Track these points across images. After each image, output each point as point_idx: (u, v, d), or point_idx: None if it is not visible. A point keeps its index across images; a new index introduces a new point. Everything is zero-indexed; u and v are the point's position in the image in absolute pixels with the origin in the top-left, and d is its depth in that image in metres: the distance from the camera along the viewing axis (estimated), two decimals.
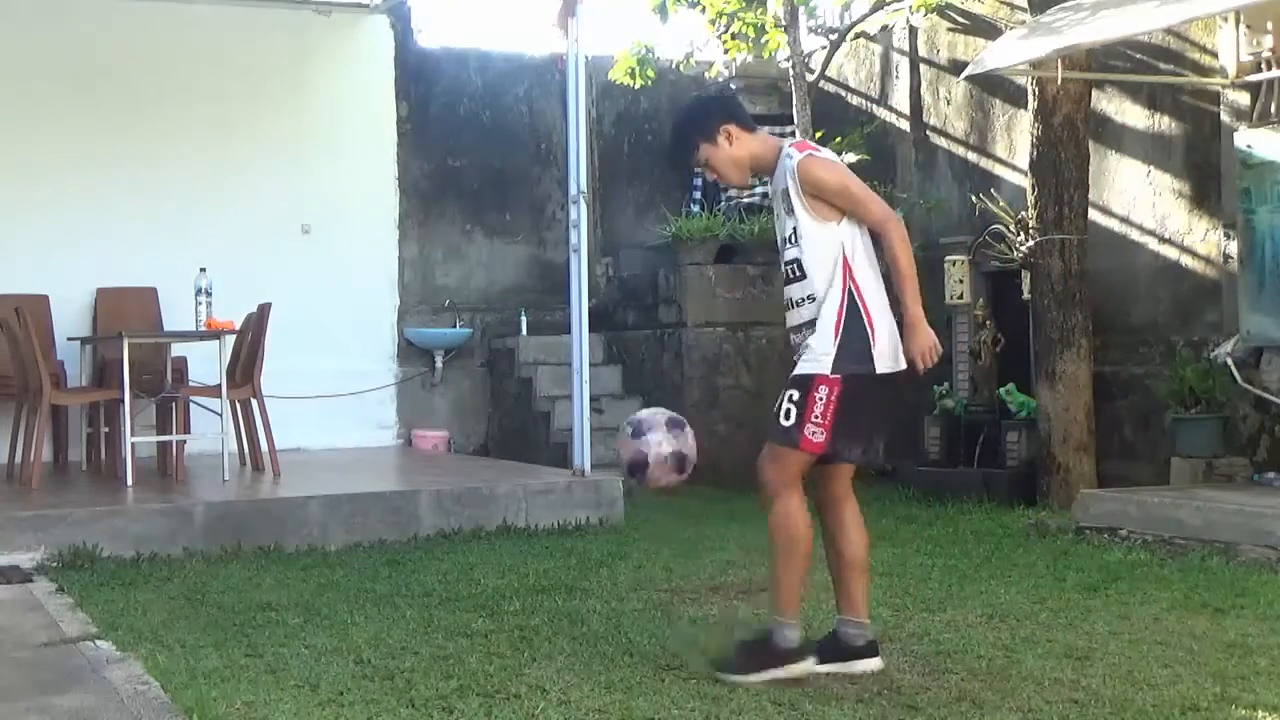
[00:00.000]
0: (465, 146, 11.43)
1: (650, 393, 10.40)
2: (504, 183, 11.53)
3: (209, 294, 8.58)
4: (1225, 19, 7.90)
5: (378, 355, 11.04)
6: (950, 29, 10.14)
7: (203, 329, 8.51)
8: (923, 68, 10.44)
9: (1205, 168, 8.20)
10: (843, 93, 11.18)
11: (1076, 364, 8.23)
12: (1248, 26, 7.81)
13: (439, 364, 11.13)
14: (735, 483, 8.26)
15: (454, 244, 11.40)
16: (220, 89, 10.52)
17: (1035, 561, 6.43)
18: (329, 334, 10.56)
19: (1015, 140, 9.38)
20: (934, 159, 10.31)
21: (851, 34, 10.67)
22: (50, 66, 10.09)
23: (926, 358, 4.33)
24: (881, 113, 10.78)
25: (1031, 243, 8.32)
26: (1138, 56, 8.61)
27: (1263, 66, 7.76)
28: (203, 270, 8.69)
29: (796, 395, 4.31)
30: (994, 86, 9.57)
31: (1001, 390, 8.84)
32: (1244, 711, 3.97)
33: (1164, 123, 8.50)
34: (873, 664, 4.44)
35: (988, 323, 9.01)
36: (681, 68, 11.14)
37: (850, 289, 4.31)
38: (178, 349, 9.17)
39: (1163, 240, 8.49)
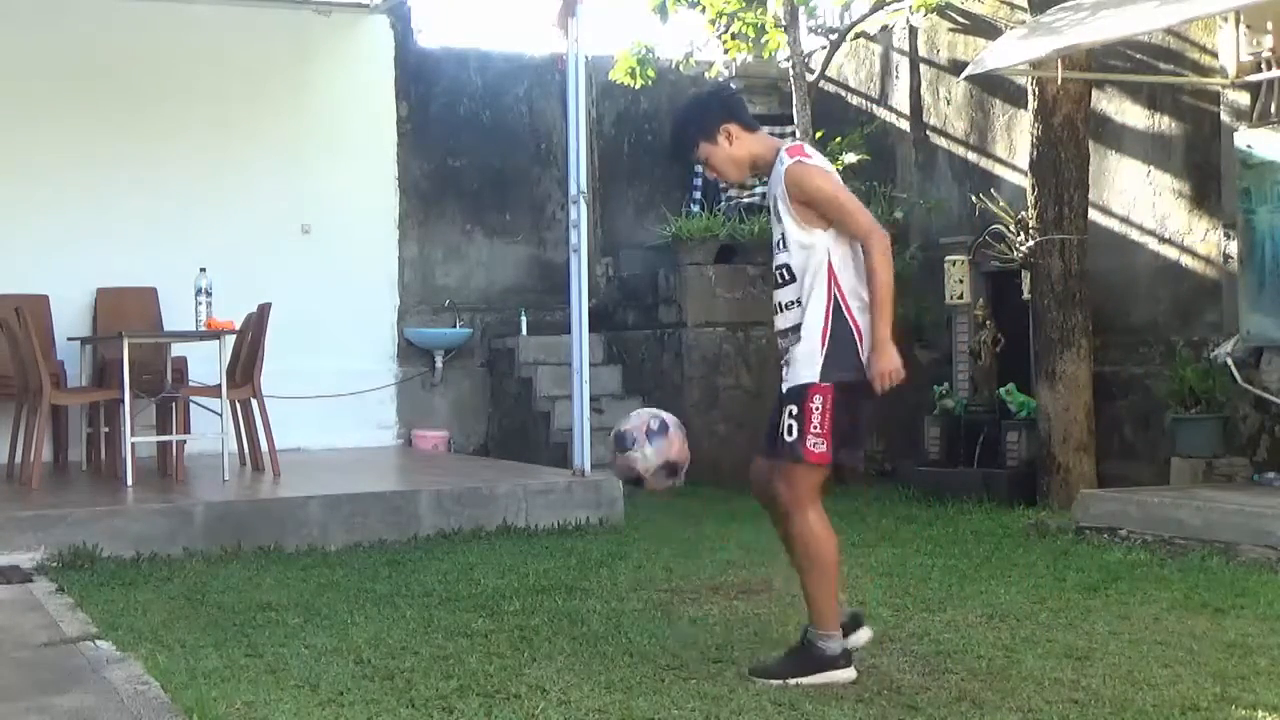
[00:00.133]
0: (465, 146, 11.43)
1: (650, 393, 10.41)
2: (504, 183, 11.53)
3: (209, 294, 8.59)
4: (1225, 19, 7.90)
5: (378, 355, 11.04)
6: (950, 29, 10.14)
7: (203, 329, 8.51)
8: (923, 68, 10.44)
9: (1205, 168, 8.20)
10: (843, 93, 11.18)
11: (1076, 364, 8.23)
12: (1248, 26, 7.81)
13: (439, 364, 11.13)
14: (735, 482, 8.24)
15: (454, 244, 11.41)
16: (220, 89, 10.52)
17: (1035, 561, 6.43)
18: (329, 334, 10.57)
19: (1015, 140, 9.38)
20: (934, 159, 10.31)
21: (851, 34, 10.67)
22: (50, 66, 10.09)
23: (886, 379, 4.29)
24: (881, 113, 10.78)
25: (1031, 243, 8.32)
26: (1138, 56, 8.61)
27: (1263, 66, 7.76)
28: (203, 270, 8.69)
29: (795, 410, 4.31)
30: (994, 86, 9.57)
31: (1001, 390, 8.84)
32: (1244, 711, 3.97)
33: (1164, 123, 8.50)
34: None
35: (988, 323, 9.01)
36: (681, 68, 11.14)
37: (836, 296, 4.31)
38: (178, 349, 9.17)
39: (1163, 240, 8.49)
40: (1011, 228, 8.52)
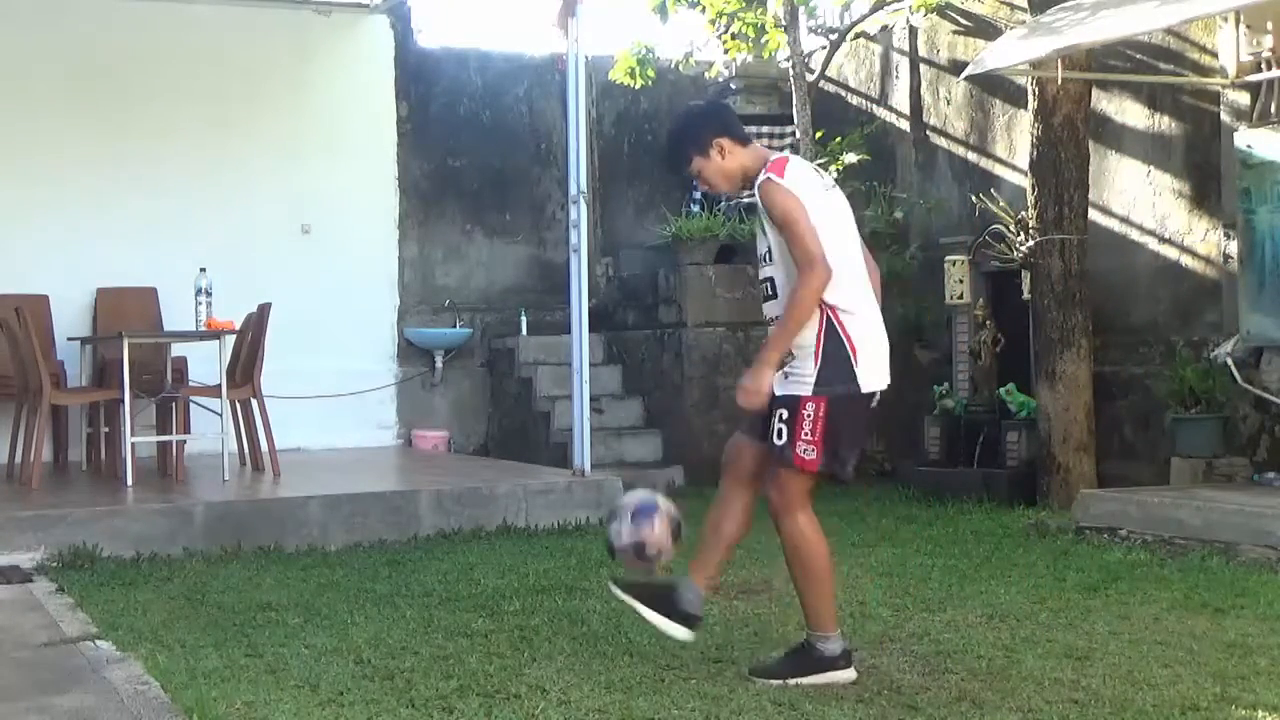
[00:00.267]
0: (465, 146, 11.43)
1: (650, 393, 10.42)
2: (504, 183, 11.53)
3: (209, 294, 8.59)
4: (1225, 19, 7.90)
5: (378, 355, 11.04)
6: (951, 29, 10.14)
7: (203, 329, 8.51)
8: (923, 68, 10.44)
9: (1205, 168, 8.20)
10: (843, 93, 11.18)
11: (1076, 364, 8.23)
12: (1248, 26, 7.81)
13: (439, 364, 11.13)
14: None
15: (454, 244, 11.41)
16: (220, 89, 10.52)
17: (1035, 561, 6.43)
18: (329, 334, 10.57)
19: (1015, 140, 9.38)
20: (934, 159, 10.31)
21: (851, 34, 10.67)
22: (51, 67, 10.09)
23: (744, 396, 4.38)
24: (881, 113, 10.78)
25: (1031, 243, 8.32)
26: (1138, 56, 8.61)
27: (1263, 66, 7.76)
28: (203, 270, 8.69)
29: (786, 415, 4.32)
30: (994, 86, 9.57)
31: (1001, 390, 8.84)
32: (1244, 711, 3.97)
33: (1164, 123, 8.50)
34: (683, 632, 4.47)
35: (988, 323, 9.01)
36: (681, 68, 11.14)
37: (826, 311, 4.30)
38: (178, 349, 9.17)
39: (1163, 240, 8.49)
40: (1011, 228, 8.52)
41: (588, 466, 8.06)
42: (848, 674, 4.35)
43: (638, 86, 10.70)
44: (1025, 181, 8.50)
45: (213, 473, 8.25)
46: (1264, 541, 6.23)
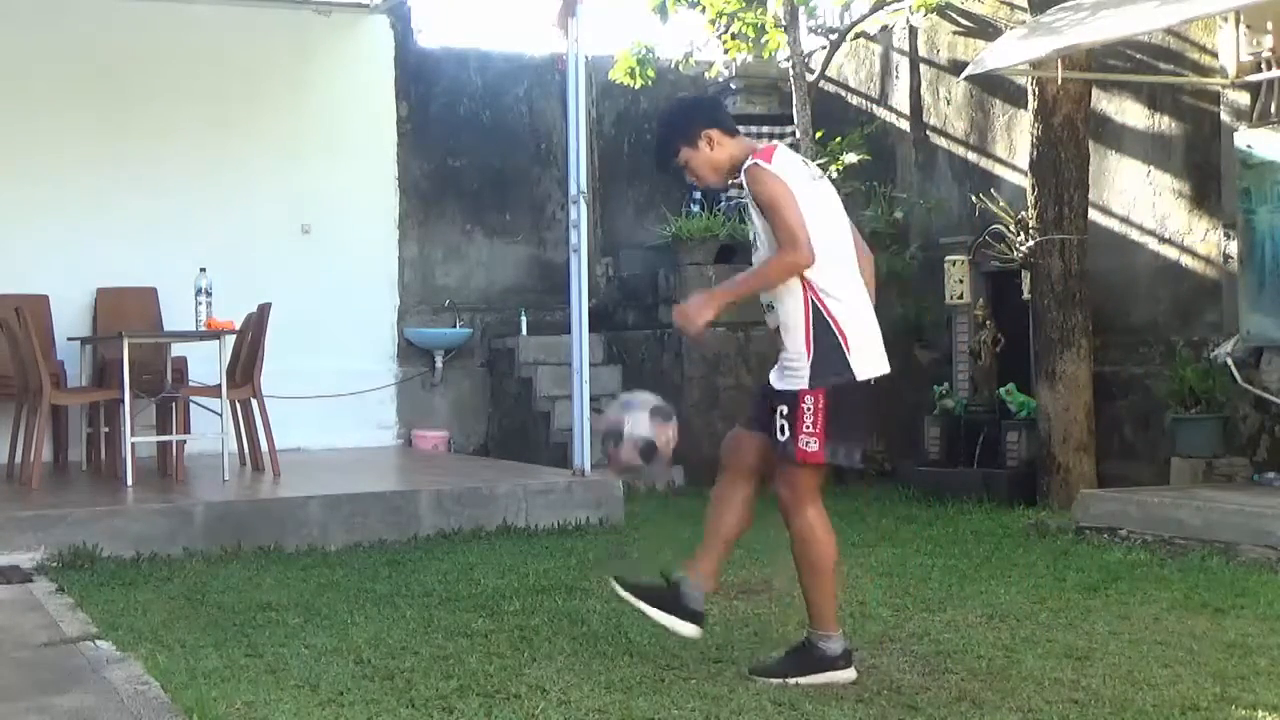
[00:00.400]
0: (465, 146, 11.43)
1: (650, 393, 10.39)
2: (504, 183, 11.53)
3: (209, 294, 8.59)
4: (1225, 19, 7.90)
5: (378, 355, 11.04)
6: (951, 30, 10.14)
7: (203, 329, 8.51)
8: (923, 68, 10.44)
9: (1205, 168, 8.20)
10: (843, 93, 11.18)
11: (1076, 364, 8.23)
12: (1248, 26, 7.80)
13: (439, 364, 11.13)
14: None
15: (454, 244, 11.41)
16: (220, 89, 10.52)
17: (1035, 561, 6.43)
18: (329, 334, 10.57)
19: (1015, 140, 9.38)
20: (934, 159, 10.30)
21: (851, 34, 10.67)
22: (50, 66, 10.09)
23: (678, 317, 4.38)
24: (881, 113, 10.77)
25: (1031, 243, 8.32)
26: (1138, 56, 8.61)
27: (1263, 66, 7.76)
28: (203, 270, 8.69)
29: (786, 410, 4.32)
30: (994, 86, 9.57)
31: (1001, 390, 8.84)
32: (1244, 711, 3.97)
33: (1164, 123, 8.50)
34: (691, 629, 4.48)
35: (988, 323, 9.01)
36: (681, 68, 11.14)
37: (813, 300, 4.30)
38: (178, 349, 9.17)
39: (1163, 240, 8.49)
40: (1011, 228, 8.52)
41: (588, 466, 8.06)
42: (848, 674, 4.35)
43: (638, 86, 10.69)
44: (1025, 181, 8.50)
45: (213, 473, 8.25)
46: (1264, 541, 6.23)
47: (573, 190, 8.05)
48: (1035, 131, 8.28)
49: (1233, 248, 7.92)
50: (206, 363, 8.95)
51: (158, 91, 10.35)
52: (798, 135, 10.03)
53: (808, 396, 4.29)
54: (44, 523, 6.75)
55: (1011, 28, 8.91)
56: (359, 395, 10.74)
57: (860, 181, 9.93)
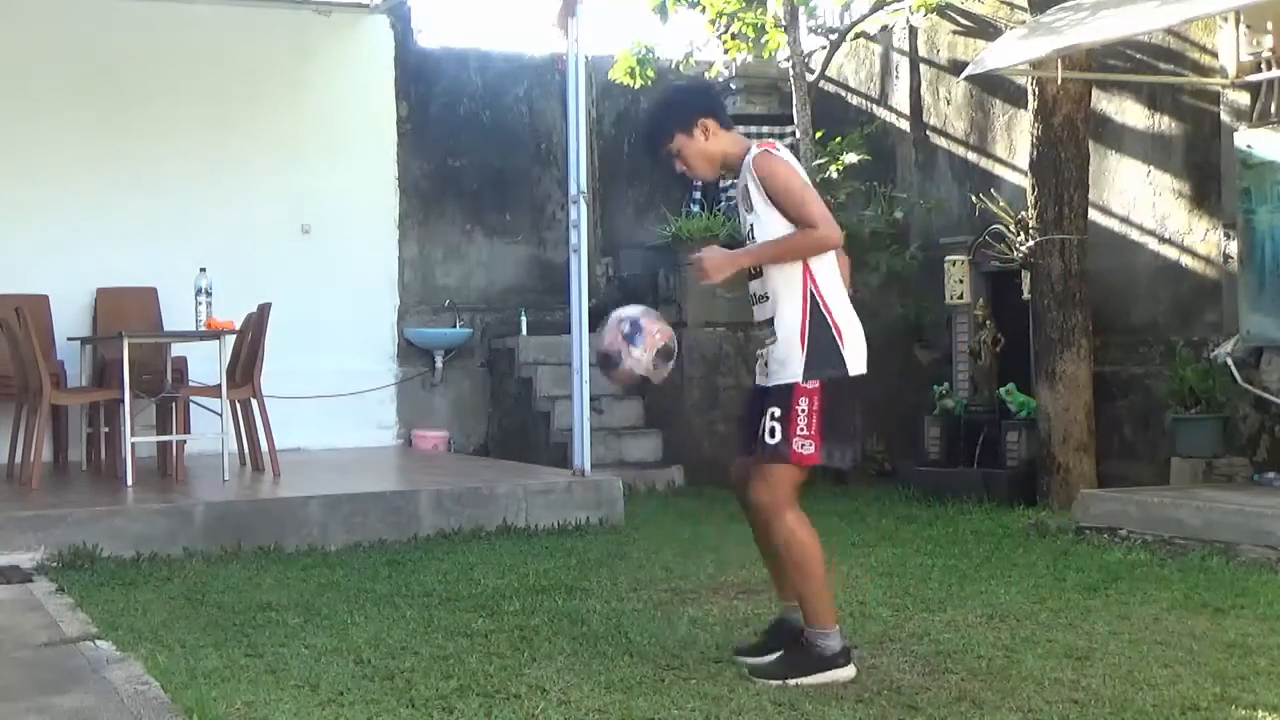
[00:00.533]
0: (465, 146, 11.43)
1: (650, 392, 10.41)
2: (504, 183, 11.53)
3: (209, 294, 8.59)
4: (1225, 19, 7.90)
5: (378, 355, 11.04)
6: (951, 29, 10.14)
7: (203, 329, 8.51)
8: (923, 68, 10.44)
9: (1205, 168, 8.20)
10: (843, 93, 11.18)
11: (1076, 364, 8.23)
12: (1248, 26, 7.81)
13: (439, 364, 11.13)
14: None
15: (454, 244, 11.41)
16: (220, 89, 10.52)
17: (1035, 561, 6.43)
18: (329, 334, 10.57)
19: (1015, 140, 9.38)
20: (934, 159, 10.31)
21: (851, 34, 10.67)
22: (51, 66, 10.09)
23: (701, 264, 4.37)
24: (881, 113, 10.78)
25: (1031, 243, 8.32)
26: (1138, 56, 8.61)
27: (1263, 66, 7.76)
28: (203, 270, 8.69)
29: (779, 412, 4.31)
30: (994, 86, 9.57)
31: (1001, 390, 8.84)
32: (1244, 711, 3.97)
33: (1164, 123, 8.50)
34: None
35: (988, 323, 9.01)
36: (681, 68, 11.13)
37: (812, 291, 4.31)
38: (178, 349, 9.17)
39: (1163, 240, 8.49)
40: (1011, 228, 8.52)
41: (588, 466, 8.06)
42: (847, 672, 4.35)
43: (638, 86, 10.69)
44: (1025, 181, 8.50)
45: (213, 473, 8.25)
46: (1264, 541, 6.23)
47: (573, 190, 8.05)
48: (1035, 131, 8.28)
49: (1233, 248, 7.93)
50: (206, 363, 8.95)
51: (158, 91, 10.35)
52: (798, 135, 10.03)
53: (802, 397, 4.28)
54: (44, 523, 6.75)
55: (1011, 28, 8.91)
56: (359, 395, 10.74)
57: (860, 181, 9.93)
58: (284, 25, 10.78)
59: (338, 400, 10.57)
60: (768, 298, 4.38)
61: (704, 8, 10.15)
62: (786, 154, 4.44)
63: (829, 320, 4.31)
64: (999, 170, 9.63)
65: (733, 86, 11.46)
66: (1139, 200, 8.63)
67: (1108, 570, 6.15)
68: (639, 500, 8.66)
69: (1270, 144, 7.61)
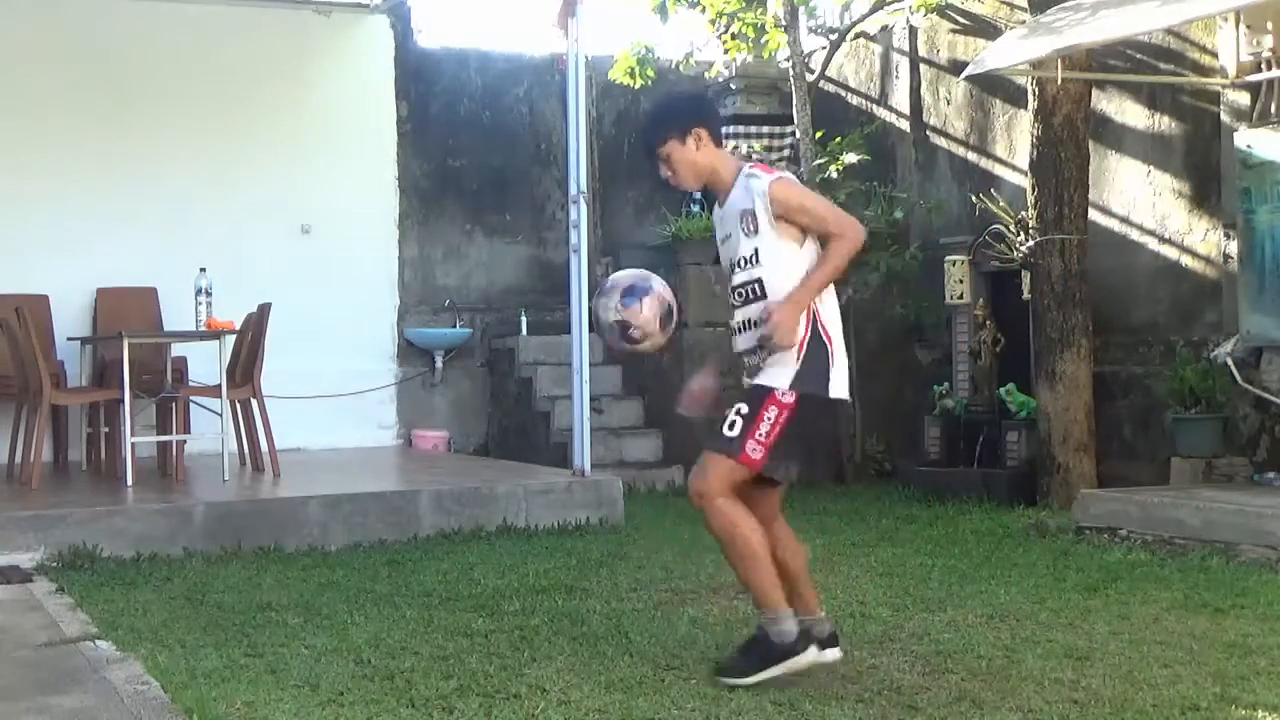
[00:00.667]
0: (465, 146, 11.43)
1: (650, 392, 10.41)
2: (504, 183, 11.53)
3: (209, 294, 8.59)
4: (1225, 19, 7.90)
5: (378, 355, 11.04)
6: (950, 29, 10.14)
7: (203, 329, 8.51)
8: (923, 68, 10.44)
9: (1205, 168, 8.21)
10: (843, 93, 11.18)
11: (1076, 364, 8.23)
12: (1248, 26, 7.80)
13: (439, 364, 11.13)
14: None
15: (454, 244, 11.41)
16: (220, 89, 10.52)
17: (1035, 561, 6.43)
18: (329, 334, 10.57)
19: (1015, 140, 9.38)
20: (934, 159, 10.31)
21: (851, 34, 10.67)
22: (50, 66, 10.09)
23: (774, 329, 4.26)
24: (881, 113, 10.77)
25: (1031, 243, 8.32)
26: (1138, 56, 8.61)
27: (1263, 66, 7.76)
28: (203, 270, 8.69)
29: (745, 410, 4.33)
30: (994, 86, 9.57)
31: (1001, 390, 8.84)
32: (1244, 711, 3.97)
33: (1164, 123, 8.50)
34: (835, 653, 4.44)
35: (988, 323, 9.01)
36: (681, 68, 11.14)
37: (814, 312, 4.33)
38: (178, 349, 9.18)
39: (1163, 240, 8.49)
40: (1011, 228, 8.52)
41: (588, 466, 8.06)
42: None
43: (638, 86, 10.69)
44: (1025, 181, 8.50)
45: (213, 473, 8.25)
46: (1264, 541, 6.23)
47: (573, 190, 8.05)
48: (1035, 131, 8.28)
49: (1233, 248, 7.93)
50: (206, 363, 8.95)
51: (158, 91, 10.35)
52: (798, 135, 10.04)
53: (772, 406, 4.29)
54: (44, 523, 6.75)
55: (1011, 28, 8.91)
56: (359, 395, 10.74)
57: (860, 181, 9.92)
58: (284, 25, 10.78)
59: (338, 400, 10.57)
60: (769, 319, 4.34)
61: (704, 8, 10.15)
62: (792, 177, 4.51)
63: (824, 338, 4.35)
64: (999, 170, 9.63)
65: (733, 86, 11.46)
66: (1139, 200, 8.63)
67: (1108, 570, 6.16)
68: (639, 500, 8.67)
69: (1270, 144, 7.61)
